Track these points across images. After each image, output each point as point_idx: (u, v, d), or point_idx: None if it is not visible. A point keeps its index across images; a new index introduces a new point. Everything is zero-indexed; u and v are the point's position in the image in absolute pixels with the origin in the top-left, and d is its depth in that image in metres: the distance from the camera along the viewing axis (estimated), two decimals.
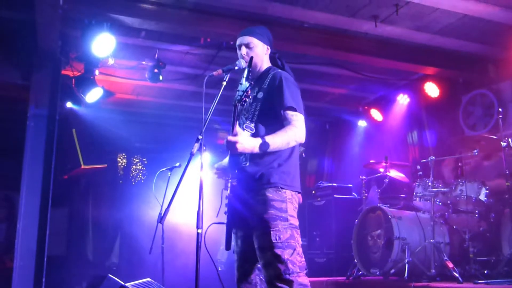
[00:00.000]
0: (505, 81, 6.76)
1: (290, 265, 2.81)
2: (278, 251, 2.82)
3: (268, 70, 3.30)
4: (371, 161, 7.16)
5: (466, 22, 5.80)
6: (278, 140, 2.89)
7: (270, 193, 2.94)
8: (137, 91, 8.33)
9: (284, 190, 2.96)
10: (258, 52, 3.28)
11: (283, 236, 2.84)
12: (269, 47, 3.35)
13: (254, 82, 3.24)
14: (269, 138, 2.87)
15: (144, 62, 6.88)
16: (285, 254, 2.81)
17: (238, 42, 3.33)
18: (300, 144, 3.18)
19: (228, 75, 3.11)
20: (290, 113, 2.99)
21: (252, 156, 3.01)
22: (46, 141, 5.82)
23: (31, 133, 5.83)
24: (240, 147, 2.80)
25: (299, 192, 3.10)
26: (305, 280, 2.86)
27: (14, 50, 6.06)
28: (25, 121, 5.84)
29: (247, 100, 2.83)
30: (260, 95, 3.15)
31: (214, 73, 3.10)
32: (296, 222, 2.96)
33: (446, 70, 7.03)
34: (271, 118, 3.05)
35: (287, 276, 2.80)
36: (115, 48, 5.80)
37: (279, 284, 2.80)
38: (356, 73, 7.46)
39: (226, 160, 3.32)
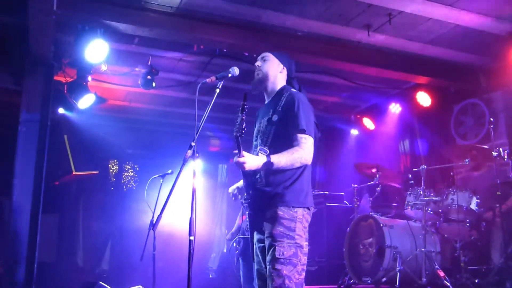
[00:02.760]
0: (496, 91, 6.80)
1: (287, 281, 2.93)
2: (279, 266, 2.96)
3: (282, 90, 3.40)
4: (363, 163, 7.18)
5: (458, 32, 5.84)
6: (282, 160, 3.04)
7: (282, 211, 3.07)
8: (129, 98, 8.31)
9: (295, 209, 3.09)
10: (271, 66, 3.42)
11: (287, 253, 2.99)
12: (285, 68, 3.47)
13: (269, 102, 3.42)
14: (274, 158, 3.03)
15: (137, 69, 6.88)
16: (285, 270, 2.95)
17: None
18: None
19: (222, 82, 3.13)
20: (300, 135, 3.13)
21: (267, 177, 3.16)
22: (37, 147, 5.78)
23: (23, 139, 5.79)
24: (247, 166, 2.97)
25: (311, 207, 3.23)
26: None
27: (6, 54, 6.04)
28: (16, 127, 5.80)
29: (243, 131, 2.96)
30: (275, 117, 3.24)
31: (208, 80, 3.12)
32: (302, 241, 3.07)
33: (438, 80, 7.07)
34: (285, 140, 3.16)
35: None
36: (108, 54, 5.79)
37: None
38: (348, 82, 7.49)
39: (240, 183, 3.47)
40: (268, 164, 3.01)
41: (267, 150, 3.15)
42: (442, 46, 6.27)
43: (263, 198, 3.14)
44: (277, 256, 2.97)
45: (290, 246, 3.00)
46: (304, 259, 3.07)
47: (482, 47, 6.24)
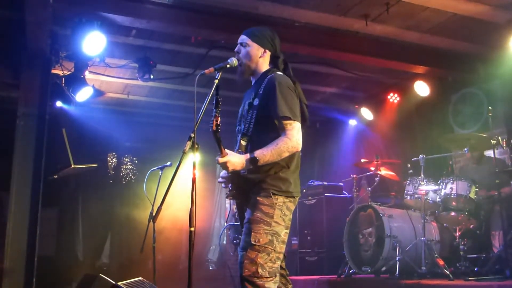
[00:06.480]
0: (494, 80, 6.79)
1: (259, 269, 2.87)
2: (253, 253, 2.90)
3: (265, 73, 3.26)
4: (362, 160, 7.19)
5: (456, 21, 5.83)
6: (267, 154, 2.93)
7: (261, 198, 2.99)
8: (127, 90, 8.30)
9: (276, 196, 2.99)
10: (251, 53, 3.27)
11: (262, 239, 2.91)
12: (267, 50, 3.30)
13: (252, 86, 3.30)
14: (258, 153, 2.92)
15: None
16: (259, 258, 2.88)
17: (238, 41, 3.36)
18: None
19: (220, 73, 3.10)
20: (284, 122, 3.00)
21: None
22: (36, 141, 5.77)
23: (21, 133, 5.77)
24: (231, 167, 2.92)
25: (296, 196, 3.12)
26: (272, 286, 2.91)
27: (3, 49, 6.02)
28: (14, 121, 5.79)
29: (219, 126, 2.81)
30: (256, 101, 3.14)
31: (206, 71, 3.08)
32: (279, 228, 2.98)
33: (436, 69, 7.06)
34: (268, 125, 3.06)
35: (255, 279, 2.87)
36: (105, 46, 5.77)
37: (247, 285, 2.88)
38: (346, 72, 7.47)
39: None
40: (253, 161, 2.90)
41: (249, 136, 3.08)
42: (440, 35, 6.25)
43: (247, 185, 3.07)
44: (253, 242, 2.90)
45: (266, 233, 2.91)
46: (280, 248, 2.98)
47: (481, 36, 6.23)
